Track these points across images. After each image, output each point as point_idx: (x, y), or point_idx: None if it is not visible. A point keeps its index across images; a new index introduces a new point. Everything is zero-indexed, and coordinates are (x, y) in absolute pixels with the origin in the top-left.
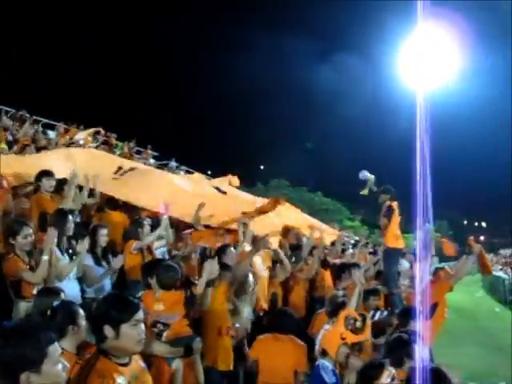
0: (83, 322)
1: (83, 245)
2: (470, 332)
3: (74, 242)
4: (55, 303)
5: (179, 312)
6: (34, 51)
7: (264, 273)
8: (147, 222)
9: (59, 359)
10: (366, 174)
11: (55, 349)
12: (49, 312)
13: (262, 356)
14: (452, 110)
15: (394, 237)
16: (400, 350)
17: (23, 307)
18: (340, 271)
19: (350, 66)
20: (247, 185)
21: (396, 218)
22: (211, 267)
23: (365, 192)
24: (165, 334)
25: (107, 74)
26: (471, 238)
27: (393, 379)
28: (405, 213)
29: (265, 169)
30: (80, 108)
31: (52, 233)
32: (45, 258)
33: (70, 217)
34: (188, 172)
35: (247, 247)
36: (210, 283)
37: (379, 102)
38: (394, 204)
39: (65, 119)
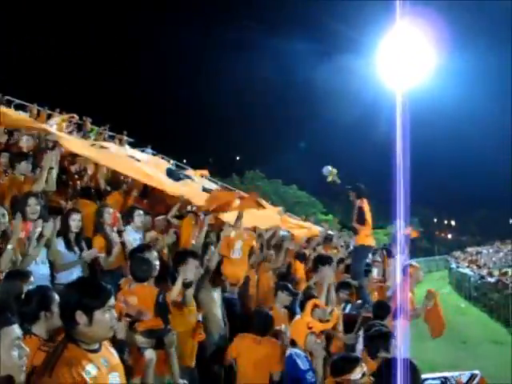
0: (56, 309)
1: (48, 227)
2: None
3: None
4: (30, 287)
5: (150, 305)
6: (6, 30)
7: (237, 255)
8: (108, 212)
9: (13, 343)
10: (328, 169)
11: (8, 332)
12: (23, 296)
13: (241, 357)
14: (427, 108)
15: (366, 235)
16: (377, 342)
17: None
18: (315, 264)
19: (330, 64)
20: (222, 175)
21: (366, 216)
22: (185, 271)
23: (330, 180)
24: (135, 325)
25: (85, 56)
26: (432, 289)
27: (363, 375)
28: (378, 208)
29: (240, 160)
30: (55, 90)
31: (18, 221)
32: (9, 247)
33: (32, 199)
34: (163, 159)
35: (231, 232)
36: (188, 285)
37: (359, 99)
38: (364, 202)
39: (38, 101)
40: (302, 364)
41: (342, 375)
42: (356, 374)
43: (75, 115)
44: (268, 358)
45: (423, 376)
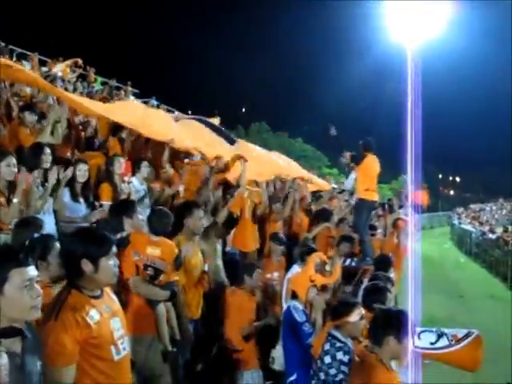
0: (53, 259)
1: (53, 174)
2: (434, 280)
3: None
4: (35, 235)
5: (171, 260)
6: None
7: (248, 214)
8: (119, 161)
9: (24, 284)
10: (347, 157)
11: (20, 274)
12: (27, 243)
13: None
14: (437, 62)
15: (364, 189)
16: (372, 296)
17: (1, 239)
18: (315, 218)
19: (336, 19)
20: (227, 127)
21: (368, 170)
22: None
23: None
24: (160, 278)
25: (88, 6)
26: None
27: (361, 318)
28: (384, 164)
29: (246, 112)
30: (57, 39)
31: (23, 174)
32: (15, 200)
33: (47, 149)
34: (168, 111)
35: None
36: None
37: (368, 52)
38: (369, 156)
39: (40, 50)
40: (299, 316)
41: (340, 318)
42: (354, 317)
43: (79, 59)
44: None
45: (421, 328)
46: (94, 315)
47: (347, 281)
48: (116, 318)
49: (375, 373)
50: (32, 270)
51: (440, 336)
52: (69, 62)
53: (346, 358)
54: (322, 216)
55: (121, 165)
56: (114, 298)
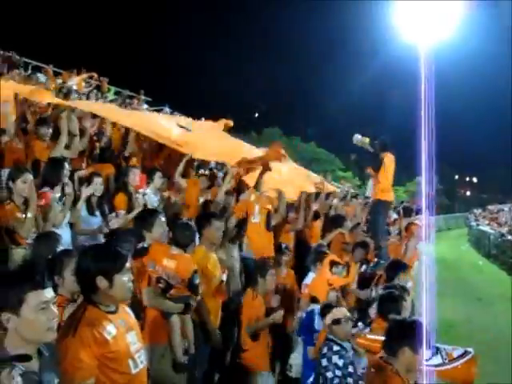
0: (68, 275)
1: (69, 188)
2: (451, 283)
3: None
4: (56, 250)
5: (186, 276)
6: None
7: (257, 219)
8: (134, 173)
9: (39, 307)
10: (359, 138)
11: (36, 296)
12: (49, 258)
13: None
14: (451, 62)
15: (382, 190)
16: (387, 305)
17: (18, 254)
18: (331, 224)
19: (347, 15)
20: (240, 132)
21: (387, 171)
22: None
23: (368, 147)
24: (171, 292)
25: (100, 16)
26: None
27: (337, 322)
28: (399, 165)
29: (259, 117)
30: (70, 51)
31: (33, 189)
32: (29, 215)
33: (66, 164)
34: None
35: (251, 196)
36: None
37: (379, 53)
38: (388, 157)
39: (54, 62)
40: (318, 324)
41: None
42: (328, 319)
43: (94, 74)
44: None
45: None
46: (111, 330)
47: (363, 287)
48: (132, 331)
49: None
50: (48, 292)
51: (434, 353)
52: (84, 75)
53: (341, 362)
54: (336, 222)
55: (135, 176)
56: (130, 311)
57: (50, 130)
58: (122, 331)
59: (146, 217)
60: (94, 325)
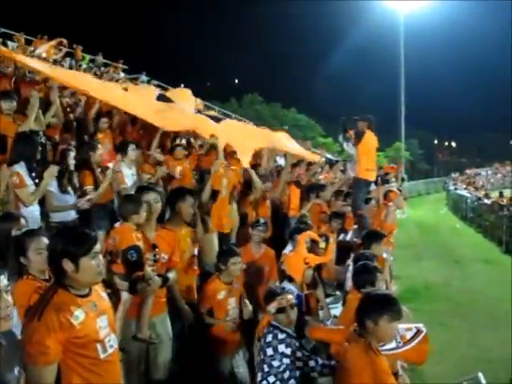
0: (32, 255)
1: (51, 171)
2: (430, 246)
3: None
4: (15, 231)
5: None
6: None
7: (224, 193)
8: (96, 148)
9: None
10: (350, 146)
11: None
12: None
13: None
14: (430, 29)
15: (365, 169)
16: (362, 277)
17: None
18: (307, 192)
19: None
20: (220, 99)
21: (367, 147)
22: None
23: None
24: (112, 267)
25: None
26: None
27: (282, 310)
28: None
29: (239, 83)
30: (44, 18)
31: (4, 171)
32: None
33: (37, 139)
34: (159, 86)
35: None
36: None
37: (359, 20)
38: (370, 135)
39: (28, 30)
40: None
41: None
42: (272, 307)
43: (63, 40)
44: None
45: None
46: (78, 315)
47: (342, 256)
48: (103, 316)
49: (362, 359)
50: None
51: None
52: (53, 42)
53: (288, 351)
54: (312, 191)
55: (98, 151)
56: (104, 295)
57: (14, 104)
58: (91, 315)
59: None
60: (61, 310)
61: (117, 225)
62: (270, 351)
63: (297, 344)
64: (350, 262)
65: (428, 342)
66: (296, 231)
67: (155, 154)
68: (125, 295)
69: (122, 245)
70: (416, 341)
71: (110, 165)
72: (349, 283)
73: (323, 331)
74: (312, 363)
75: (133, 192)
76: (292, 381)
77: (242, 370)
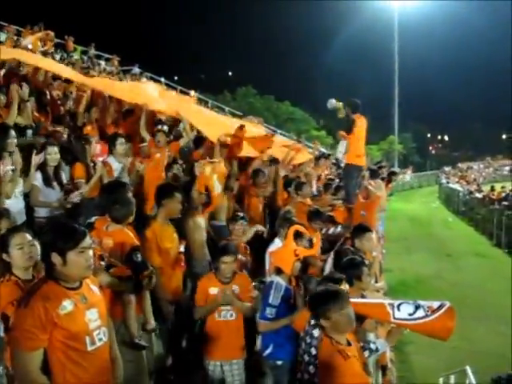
0: (15, 251)
1: (33, 161)
2: (422, 239)
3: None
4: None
5: (123, 252)
6: None
7: (219, 190)
8: (90, 142)
9: None
10: (333, 103)
11: None
12: None
13: None
14: (424, 23)
15: (355, 155)
16: (350, 272)
17: None
18: (285, 187)
19: None
20: (214, 92)
21: (358, 134)
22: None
23: (341, 115)
24: (111, 270)
25: None
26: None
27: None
28: (372, 125)
29: (233, 76)
30: (35, 9)
31: None
32: None
33: (12, 132)
34: (152, 79)
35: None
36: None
37: (354, 14)
38: (358, 118)
39: (17, 21)
40: (273, 297)
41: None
42: None
43: (50, 32)
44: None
45: (399, 301)
46: (66, 305)
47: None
48: (93, 309)
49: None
50: None
51: (417, 307)
52: (39, 34)
53: None
54: (296, 188)
55: (91, 145)
56: (95, 288)
57: (2, 98)
58: (80, 308)
59: (111, 188)
60: (48, 298)
61: (110, 228)
62: (308, 339)
63: None
64: (331, 254)
65: (454, 317)
66: (283, 224)
67: (143, 133)
68: (127, 297)
69: (125, 247)
70: (443, 310)
71: (100, 159)
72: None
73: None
74: None
75: None
76: None
77: (236, 379)
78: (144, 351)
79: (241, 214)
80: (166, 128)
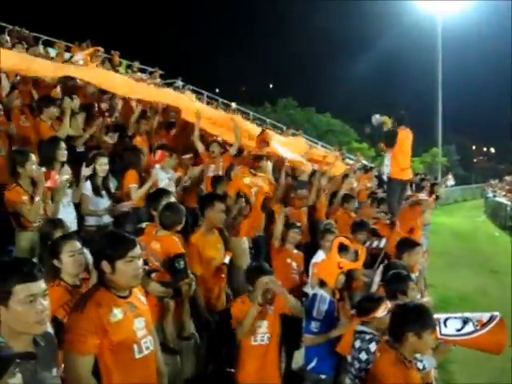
0: (66, 256)
1: (83, 172)
2: (467, 254)
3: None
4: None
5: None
6: None
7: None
8: (143, 153)
9: (30, 299)
10: (378, 118)
11: (24, 289)
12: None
13: None
14: (468, 32)
15: (400, 169)
16: (395, 286)
17: (24, 236)
18: (343, 201)
19: None
20: (254, 104)
21: (403, 146)
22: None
23: (388, 127)
24: (153, 275)
25: None
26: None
27: (388, 312)
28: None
29: (273, 87)
30: (82, 25)
31: (41, 172)
32: (37, 199)
33: (62, 144)
34: (194, 91)
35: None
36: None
37: (396, 24)
38: (403, 131)
39: (66, 36)
40: (317, 312)
41: (367, 315)
42: (381, 312)
43: (100, 48)
44: None
45: (446, 315)
46: (117, 313)
47: (374, 263)
48: (140, 318)
49: (391, 371)
50: (37, 285)
51: (465, 322)
52: (90, 50)
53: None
54: (343, 200)
55: (144, 156)
56: (142, 298)
57: (55, 109)
58: (129, 316)
59: (155, 196)
60: (101, 305)
61: (159, 233)
62: (363, 356)
63: None
64: (379, 265)
65: (505, 330)
66: (323, 236)
67: (198, 143)
68: (170, 302)
69: (170, 253)
70: (493, 323)
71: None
72: (374, 287)
73: None
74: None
75: None
76: None
77: None
78: (178, 357)
79: (297, 223)
80: (220, 139)
